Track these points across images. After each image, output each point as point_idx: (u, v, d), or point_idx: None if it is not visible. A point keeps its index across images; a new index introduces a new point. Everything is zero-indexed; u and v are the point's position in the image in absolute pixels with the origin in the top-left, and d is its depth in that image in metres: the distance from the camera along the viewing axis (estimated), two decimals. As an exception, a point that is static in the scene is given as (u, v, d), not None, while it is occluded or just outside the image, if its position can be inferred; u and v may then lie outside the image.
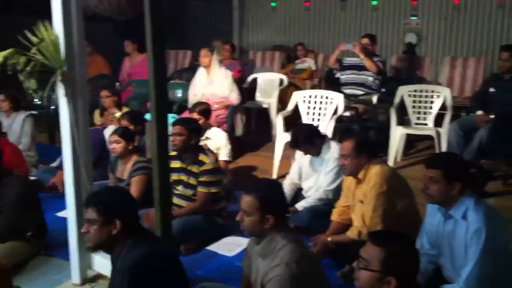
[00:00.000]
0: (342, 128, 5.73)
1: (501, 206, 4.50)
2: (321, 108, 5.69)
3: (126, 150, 4.16)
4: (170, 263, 2.46)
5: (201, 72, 6.22)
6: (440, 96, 5.70)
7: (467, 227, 2.54)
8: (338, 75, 6.48)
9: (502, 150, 4.68)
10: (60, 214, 4.25)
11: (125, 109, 5.58)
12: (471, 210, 2.56)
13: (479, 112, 5.12)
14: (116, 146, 4.16)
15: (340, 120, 5.66)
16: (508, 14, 8.60)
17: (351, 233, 3.33)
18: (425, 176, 2.67)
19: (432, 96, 5.75)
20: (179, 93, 6.70)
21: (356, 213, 3.37)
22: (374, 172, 3.28)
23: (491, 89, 5.22)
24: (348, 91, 6.22)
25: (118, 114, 5.40)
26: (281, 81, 7.32)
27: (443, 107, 5.65)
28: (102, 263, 3.36)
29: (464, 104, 6.12)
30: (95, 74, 7.35)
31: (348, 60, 6.41)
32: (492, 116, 4.96)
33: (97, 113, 5.71)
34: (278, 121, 5.70)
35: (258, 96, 7.42)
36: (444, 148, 5.27)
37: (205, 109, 4.98)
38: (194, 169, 3.90)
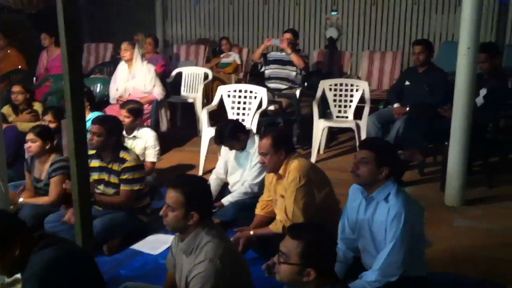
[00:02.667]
0: (267, 122, 5.80)
1: (417, 195, 4.72)
2: (246, 102, 5.73)
3: (42, 149, 3.99)
4: (81, 267, 2.40)
5: (122, 66, 6.07)
6: (359, 90, 5.89)
7: (388, 210, 2.64)
8: (262, 69, 6.53)
9: (417, 141, 4.90)
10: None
11: (37, 105, 5.38)
12: (393, 195, 2.67)
13: (396, 105, 5.34)
14: (32, 145, 3.98)
15: (264, 114, 5.71)
16: (422, 9, 9.02)
17: (274, 227, 3.37)
18: (356, 157, 2.74)
19: (351, 90, 5.92)
20: (98, 88, 6.51)
21: (279, 207, 3.43)
22: (292, 166, 3.34)
23: (407, 82, 5.45)
24: (272, 85, 6.30)
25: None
26: (206, 75, 7.29)
27: (362, 100, 5.84)
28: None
29: (382, 97, 6.35)
30: (10, 69, 7.01)
31: (273, 55, 6.49)
32: (407, 108, 5.18)
33: (6, 108, 5.43)
34: (203, 116, 5.68)
35: (183, 91, 7.35)
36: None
37: (135, 108, 4.83)
38: (115, 167, 3.80)
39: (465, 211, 4.46)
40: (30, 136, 4.00)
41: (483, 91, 4.85)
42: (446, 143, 4.57)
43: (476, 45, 4.28)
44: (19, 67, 7.31)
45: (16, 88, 5.33)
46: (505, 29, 8.59)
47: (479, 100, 4.84)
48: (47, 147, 4.02)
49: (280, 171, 3.40)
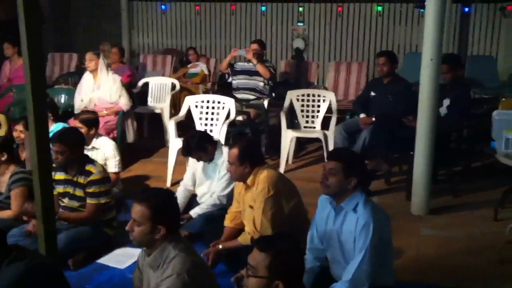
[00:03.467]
0: (235, 133, 5.79)
1: (384, 204, 4.76)
2: (214, 113, 5.71)
3: None
4: (51, 280, 2.35)
5: (87, 77, 5.97)
6: (326, 100, 5.94)
7: (357, 220, 2.66)
8: (230, 79, 6.53)
9: (382, 151, 4.97)
10: None
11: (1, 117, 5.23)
12: (361, 205, 2.69)
13: (362, 115, 5.40)
14: None
15: (232, 125, 5.70)
16: (387, 21, 9.20)
17: (243, 239, 3.36)
18: (324, 168, 2.76)
19: (318, 100, 5.98)
20: (63, 98, 6.39)
21: (247, 218, 3.42)
22: (261, 177, 3.35)
23: (372, 93, 5.53)
24: (240, 95, 6.30)
25: None
26: (173, 86, 7.25)
27: (330, 110, 5.89)
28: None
29: (349, 107, 6.42)
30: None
31: (240, 65, 6.49)
32: (373, 119, 5.25)
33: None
34: (170, 127, 5.63)
35: (150, 101, 7.29)
36: (331, 149, 5.49)
37: (88, 118, 4.70)
38: (81, 180, 3.72)
39: (431, 219, 4.53)
40: None
41: (446, 101, 4.96)
42: (411, 152, 4.65)
43: (439, 57, 4.38)
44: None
45: None
46: (467, 40, 8.84)
47: (443, 110, 4.95)
48: (3, 158, 3.91)
49: (249, 182, 3.39)
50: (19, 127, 4.56)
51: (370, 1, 9.27)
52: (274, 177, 3.37)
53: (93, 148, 4.69)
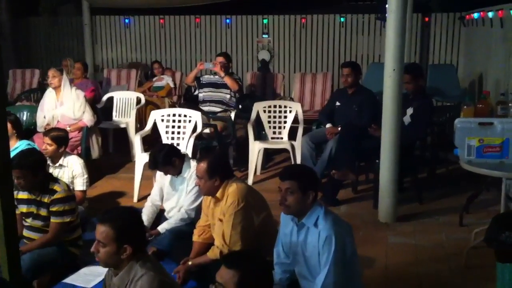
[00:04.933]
0: (202, 146, 5.77)
1: (352, 213, 4.85)
2: (180, 126, 5.67)
3: None
4: None
5: (50, 93, 5.86)
6: (292, 111, 5.98)
7: (319, 234, 2.67)
8: (196, 92, 6.52)
9: (348, 160, 5.02)
10: None
11: None
12: (321, 218, 2.70)
13: (328, 125, 5.46)
14: None
15: (199, 138, 5.68)
16: (350, 32, 9.35)
17: (212, 254, 3.33)
18: (280, 189, 2.75)
19: (285, 111, 6.01)
20: (25, 116, 6.25)
21: (217, 232, 3.39)
22: (231, 190, 3.33)
23: (337, 103, 5.59)
24: (206, 108, 6.29)
25: None
26: (139, 100, 7.18)
27: (296, 120, 5.93)
28: None
29: (315, 117, 6.47)
30: None
31: (206, 78, 6.49)
32: (339, 129, 5.30)
33: None
34: (136, 141, 5.56)
35: (115, 116, 7.20)
36: (298, 160, 5.53)
37: (58, 136, 4.61)
38: (45, 199, 3.63)
39: (398, 227, 4.59)
40: None
41: (409, 110, 5.05)
42: (377, 161, 4.71)
43: (401, 67, 4.47)
44: None
45: None
46: (428, 50, 9.05)
47: (407, 119, 5.04)
48: None
49: (218, 195, 3.37)
50: None
51: (333, 13, 9.42)
52: (244, 190, 3.36)
53: (61, 165, 4.60)
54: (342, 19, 9.37)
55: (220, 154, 4.78)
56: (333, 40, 9.42)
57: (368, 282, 3.35)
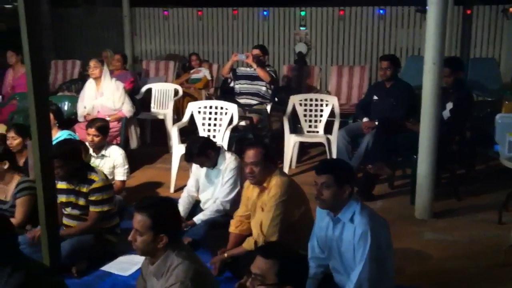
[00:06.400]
0: (238, 138, 5.79)
1: (387, 208, 4.80)
2: (217, 118, 5.71)
3: (1, 171, 3.89)
4: None
5: (90, 84, 6.00)
6: (329, 104, 5.94)
7: (354, 230, 2.66)
8: (232, 84, 6.54)
9: (385, 155, 4.96)
10: None
11: (3, 128, 5.22)
12: (357, 213, 2.69)
13: (364, 119, 5.40)
14: None
15: (235, 130, 5.71)
16: (389, 24, 9.20)
17: (247, 244, 3.36)
18: (316, 183, 2.75)
19: (321, 105, 5.98)
20: (66, 106, 6.41)
21: (256, 221, 3.40)
22: (274, 182, 3.34)
23: (374, 97, 5.52)
24: (242, 100, 6.30)
25: None
26: (176, 92, 7.26)
27: (333, 114, 5.89)
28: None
29: (351, 111, 6.42)
30: (-27, 87, 6.87)
31: (242, 70, 6.50)
32: (376, 123, 5.24)
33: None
34: (173, 133, 5.63)
35: (153, 107, 7.30)
36: (334, 154, 5.49)
37: (103, 126, 4.75)
38: (84, 189, 3.73)
39: (434, 223, 4.52)
40: None
41: (449, 105, 4.95)
42: (414, 156, 4.64)
43: (441, 60, 4.38)
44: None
45: None
46: (469, 43, 8.82)
47: (446, 114, 4.94)
48: (5, 167, 3.91)
49: (265, 184, 3.39)
50: (11, 134, 4.56)
51: (372, 5, 9.29)
52: (287, 183, 3.37)
53: (103, 156, 4.72)
54: (381, 11, 9.23)
55: (267, 144, 4.75)
56: (372, 32, 9.29)
57: (402, 278, 3.33)
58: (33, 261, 2.52)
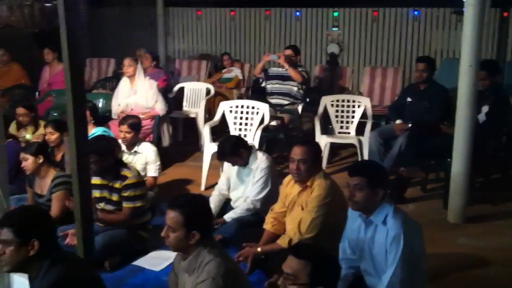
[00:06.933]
0: (268, 138, 5.80)
1: (419, 212, 4.74)
2: (248, 118, 5.73)
3: (36, 165, 4.00)
4: (89, 284, 2.40)
5: (124, 82, 6.09)
6: (361, 106, 5.90)
7: (387, 232, 2.65)
8: (264, 84, 6.55)
9: (419, 158, 4.90)
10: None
11: (43, 125, 5.34)
12: (390, 216, 2.67)
13: (398, 121, 5.34)
14: (25, 163, 4.00)
15: (266, 130, 5.72)
16: (423, 26, 9.07)
17: (282, 242, 3.35)
18: (349, 184, 2.74)
19: (353, 106, 5.95)
20: (101, 103, 6.52)
21: (293, 218, 3.39)
22: (318, 182, 3.33)
23: (408, 99, 5.46)
24: (274, 100, 6.31)
25: (28, 135, 5.18)
26: (208, 91, 7.31)
27: (364, 115, 5.84)
28: (22, 283, 3.19)
29: (384, 113, 6.36)
30: (12, 84, 7.04)
31: (273, 70, 6.50)
32: (409, 125, 5.18)
33: (13, 125, 5.44)
34: (205, 131, 5.68)
35: (185, 106, 7.37)
36: (365, 155, 5.45)
37: (134, 122, 4.83)
38: (117, 185, 3.79)
39: (467, 228, 4.45)
40: (21, 155, 4.03)
41: (485, 108, 4.87)
42: (448, 159, 4.57)
43: (478, 63, 4.31)
44: (22, 82, 7.34)
45: (20, 111, 5.30)
46: (506, 46, 8.63)
47: (481, 117, 4.86)
48: (40, 161, 4.01)
49: (308, 183, 3.38)
50: (48, 129, 4.67)
51: (406, 6, 9.17)
52: (331, 186, 3.36)
53: (135, 152, 4.79)
54: (415, 13, 9.10)
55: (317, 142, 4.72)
56: (406, 34, 9.17)
57: (434, 282, 3.28)
58: (71, 255, 2.57)
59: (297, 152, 3.35)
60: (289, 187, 3.55)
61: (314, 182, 3.35)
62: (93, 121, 4.98)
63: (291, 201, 3.49)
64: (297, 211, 3.39)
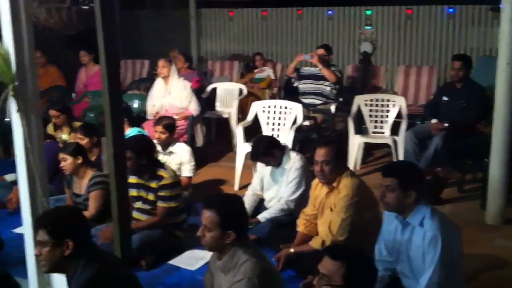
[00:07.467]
0: (301, 138, 5.78)
1: (456, 213, 4.65)
2: (281, 118, 5.73)
3: (75, 166, 4.08)
4: (124, 282, 2.44)
5: (158, 83, 6.17)
6: (396, 105, 5.83)
7: (424, 234, 2.61)
8: (296, 84, 6.54)
9: (456, 158, 4.81)
10: (17, 230, 4.13)
11: (77, 125, 5.44)
12: (427, 218, 2.64)
13: (433, 120, 5.26)
14: (63, 164, 4.09)
15: (299, 130, 5.70)
16: (458, 23, 8.90)
17: (315, 243, 3.35)
18: (382, 184, 2.72)
19: (388, 105, 5.87)
20: (136, 104, 6.62)
21: (323, 221, 3.39)
22: (345, 182, 3.32)
23: (444, 98, 5.37)
24: (306, 100, 6.29)
25: (64, 136, 5.29)
26: (240, 91, 7.34)
27: (399, 115, 5.77)
28: (60, 281, 3.26)
29: (419, 112, 6.26)
30: (49, 86, 7.19)
31: (306, 70, 6.48)
32: (446, 124, 5.09)
33: (50, 126, 5.57)
34: (238, 132, 5.70)
35: (218, 106, 7.41)
36: (401, 156, 5.38)
37: (169, 123, 4.90)
38: (153, 184, 3.84)
39: (505, 230, 4.35)
40: (60, 156, 4.12)
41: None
42: (486, 160, 4.48)
43: (516, 61, 4.20)
44: (58, 84, 7.50)
45: (52, 113, 5.42)
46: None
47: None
48: (79, 162, 4.10)
49: (334, 184, 3.37)
50: (78, 135, 4.72)
51: (441, 3, 9.01)
52: (358, 185, 3.34)
53: (170, 152, 4.85)
54: (450, 10, 8.94)
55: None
56: (440, 32, 9.01)
57: (470, 284, 3.22)
58: (106, 253, 2.62)
59: (319, 153, 3.35)
60: (317, 190, 3.54)
61: (340, 182, 3.34)
62: (127, 122, 5.05)
63: (320, 204, 3.49)
64: (326, 213, 3.39)
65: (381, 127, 5.88)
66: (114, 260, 2.66)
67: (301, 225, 3.62)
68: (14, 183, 4.80)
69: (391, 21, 9.25)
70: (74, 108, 6.91)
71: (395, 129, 5.71)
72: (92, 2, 3.09)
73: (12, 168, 4.83)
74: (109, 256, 2.62)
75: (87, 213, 4.03)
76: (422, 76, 7.26)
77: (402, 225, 2.73)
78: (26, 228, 3.23)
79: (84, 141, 4.62)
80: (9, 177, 5.32)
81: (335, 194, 3.34)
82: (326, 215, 3.37)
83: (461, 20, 8.88)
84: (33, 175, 3.14)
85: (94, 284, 2.30)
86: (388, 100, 5.93)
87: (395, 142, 5.53)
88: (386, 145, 5.88)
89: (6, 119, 5.96)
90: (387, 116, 5.85)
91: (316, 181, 3.56)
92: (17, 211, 4.36)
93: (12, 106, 3.05)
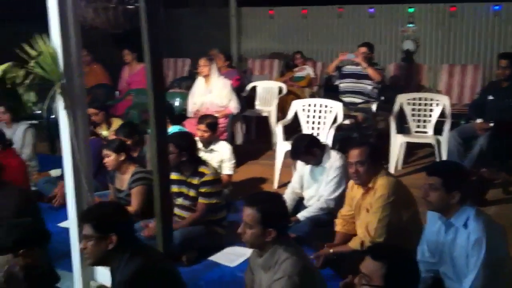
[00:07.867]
0: (342, 137, 5.73)
1: (502, 214, 4.52)
2: (321, 116, 5.70)
3: (118, 162, 4.18)
4: (167, 276, 2.48)
5: (199, 81, 6.23)
6: (439, 104, 5.72)
7: (468, 236, 2.57)
8: (337, 82, 6.49)
9: (501, 158, 4.69)
10: (62, 224, 4.24)
11: (116, 121, 5.54)
12: (472, 219, 2.59)
13: (478, 120, 5.13)
14: (107, 160, 4.19)
15: (339, 129, 5.65)
16: (504, 21, 8.65)
17: (353, 244, 3.33)
18: (425, 183, 2.68)
19: (431, 104, 5.77)
20: (177, 102, 6.70)
21: (361, 222, 3.37)
22: (381, 182, 3.29)
23: (490, 97, 5.23)
24: (347, 99, 6.23)
25: (104, 132, 5.40)
26: (280, 89, 7.33)
27: (443, 114, 5.66)
28: (104, 275, 3.34)
29: (463, 111, 6.11)
30: (94, 84, 7.36)
31: (348, 68, 6.42)
32: (491, 124, 4.97)
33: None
34: (278, 130, 5.70)
35: (258, 105, 7.42)
36: (444, 156, 5.28)
37: (212, 122, 4.97)
38: (194, 181, 3.89)
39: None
40: (104, 152, 4.22)
41: None
42: (533, 161, 4.35)
43: None
44: (103, 82, 7.67)
45: (90, 111, 5.52)
46: None
47: None
48: (122, 158, 4.19)
49: (370, 184, 3.34)
50: (120, 136, 4.81)
51: (486, 1, 8.78)
52: (394, 184, 3.30)
53: (211, 150, 4.91)
54: (496, 8, 8.69)
55: (375, 144, 4.66)
56: (486, 30, 8.77)
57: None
58: (150, 248, 2.67)
59: (352, 155, 3.34)
60: (354, 191, 3.52)
61: (376, 182, 3.31)
62: (169, 120, 5.12)
63: (357, 205, 3.47)
64: (363, 214, 3.36)
65: (424, 127, 5.77)
66: (157, 254, 2.72)
67: (338, 225, 3.62)
68: (59, 178, 4.95)
69: (435, 18, 9.06)
70: (117, 106, 7.07)
71: (438, 129, 5.60)
72: (137, 1, 3.15)
73: (57, 164, 5.01)
74: (153, 251, 2.67)
75: (130, 209, 4.12)
76: (466, 75, 7.10)
77: (446, 226, 2.69)
78: (71, 222, 3.33)
79: (128, 142, 4.72)
80: (54, 173, 5.48)
81: (371, 194, 3.31)
82: (363, 217, 3.35)
83: (508, 17, 8.62)
84: (79, 170, 3.23)
85: (139, 277, 2.35)
86: (431, 99, 5.82)
87: (438, 142, 5.42)
88: (428, 145, 5.77)
89: (51, 116, 6.18)
90: (430, 116, 5.74)
91: (352, 182, 3.54)
92: (62, 205, 4.51)
93: (59, 104, 3.15)
